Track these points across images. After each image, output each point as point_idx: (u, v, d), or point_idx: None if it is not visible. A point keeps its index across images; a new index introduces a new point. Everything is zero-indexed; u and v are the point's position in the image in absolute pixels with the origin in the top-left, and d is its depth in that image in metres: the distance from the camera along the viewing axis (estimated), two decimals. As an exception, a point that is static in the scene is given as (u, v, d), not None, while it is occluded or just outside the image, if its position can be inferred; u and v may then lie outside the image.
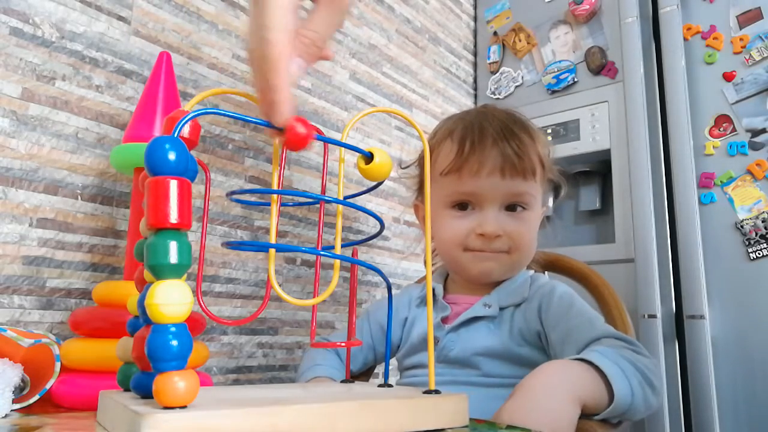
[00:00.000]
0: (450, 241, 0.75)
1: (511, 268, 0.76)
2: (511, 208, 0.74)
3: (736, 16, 1.21)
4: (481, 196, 0.73)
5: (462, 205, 0.75)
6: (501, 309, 0.73)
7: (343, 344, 0.48)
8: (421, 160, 0.83)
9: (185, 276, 0.35)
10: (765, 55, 1.15)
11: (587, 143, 1.34)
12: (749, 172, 1.14)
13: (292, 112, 0.39)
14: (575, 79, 1.39)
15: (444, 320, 0.76)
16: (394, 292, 0.57)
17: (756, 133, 1.14)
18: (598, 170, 1.38)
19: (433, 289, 0.79)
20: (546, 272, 0.89)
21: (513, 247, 0.73)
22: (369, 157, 0.45)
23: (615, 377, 0.56)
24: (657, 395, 0.60)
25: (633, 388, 0.57)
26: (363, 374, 0.89)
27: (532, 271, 0.80)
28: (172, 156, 0.33)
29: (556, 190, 0.87)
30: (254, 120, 0.39)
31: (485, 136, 0.73)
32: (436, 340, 0.74)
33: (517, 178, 0.72)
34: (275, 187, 0.43)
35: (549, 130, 1.40)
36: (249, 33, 0.41)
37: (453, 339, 0.73)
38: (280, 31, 0.38)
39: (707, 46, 1.23)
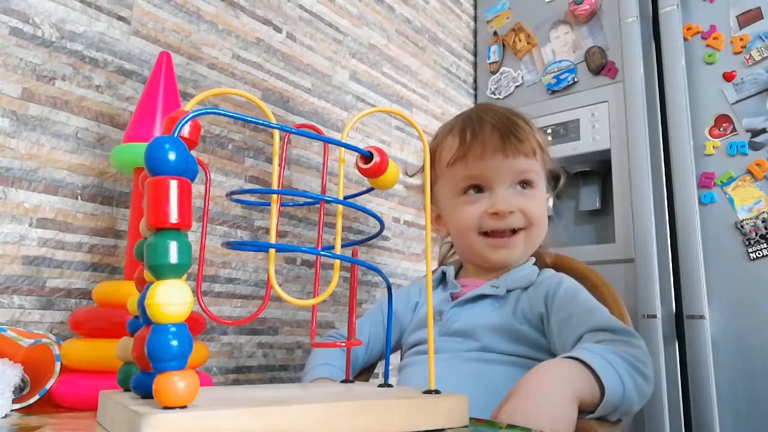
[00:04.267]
0: (465, 225, 0.78)
1: (530, 246, 0.79)
2: (519, 187, 0.78)
3: (736, 16, 1.21)
4: (488, 177, 0.77)
5: (473, 190, 0.79)
6: (508, 291, 0.76)
7: (343, 344, 0.48)
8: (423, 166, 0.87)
9: (185, 276, 0.35)
10: (765, 55, 1.15)
11: (587, 143, 1.34)
12: (749, 172, 1.14)
13: None
14: (575, 79, 1.39)
15: (453, 297, 0.79)
16: (395, 290, 0.57)
17: (756, 133, 1.14)
18: (598, 170, 1.38)
19: (445, 272, 0.83)
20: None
21: (528, 222, 0.77)
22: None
23: (603, 371, 0.56)
24: (649, 384, 0.61)
25: (623, 380, 0.57)
26: (363, 374, 0.89)
27: (536, 266, 0.82)
28: (172, 156, 0.33)
29: (555, 181, 0.88)
30: (254, 120, 0.39)
31: (484, 123, 0.78)
32: (441, 314, 0.77)
33: (520, 156, 0.77)
34: (275, 187, 0.43)
35: (549, 130, 1.40)
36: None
37: (457, 313, 0.76)
38: None
39: (707, 46, 1.23)
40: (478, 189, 0.78)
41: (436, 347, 0.71)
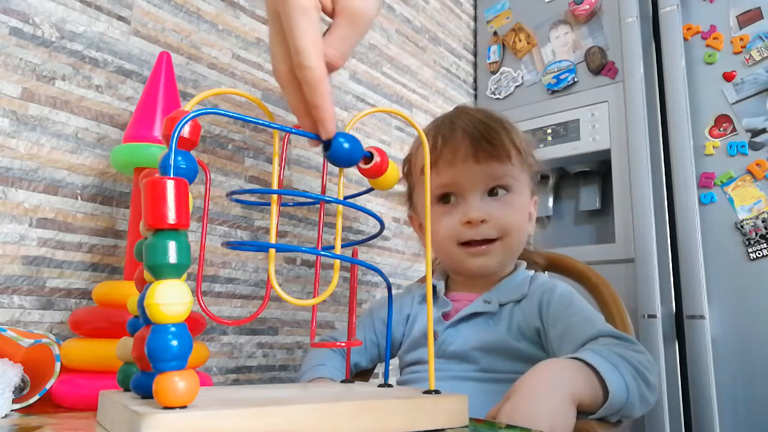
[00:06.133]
0: (443, 236, 0.76)
1: (509, 254, 0.77)
2: (494, 193, 0.76)
3: (736, 16, 1.21)
4: (460, 185, 0.75)
5: (447, 199, 0.77)
6: (501, 306, 0.74)
7: (343, 344, 0.48)
8: (405, 174, 0.86)
9: (185, 276, 0.35)
10: (765, 55, 1.15)
11: (587, 143, 1.34)
12: (749, 172, 1.14)
13: (334, 128, 0.42)
14: (575, 79, 1.39)
15: (445, 316, 0.77)
16: (394, 291, 0.57)
17: (756, 133, 1.14)
18: (598, 170, 1.38)
19: (435, 286, 0.81)
20: (546, 272, 0.90)
21: (503, 231, 0.75)
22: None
23: (608, 374, 0.56)
24: (653, 391, 0.60)
25: (627, 384, 0.57)
26: (362, 374, 0.89)
27: (532, 271, 0.81)
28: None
29: (543, 182, 0.87)
30: (254, 120, 0.39)
31: (455, 128, 0.76)
32: (436, 335, 0.75)
33: (492, 161, 0.74)
34: (275, 187, 0.43)
35: (549, 130, 1.40)
36: (276, 54, 0.43)
37: (452, 334, 0.74)
38: (316, 55, 0.40)
39: (707, 46, 1.23)
40: (452, 197, 0.76)
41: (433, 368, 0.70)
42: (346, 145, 0.43)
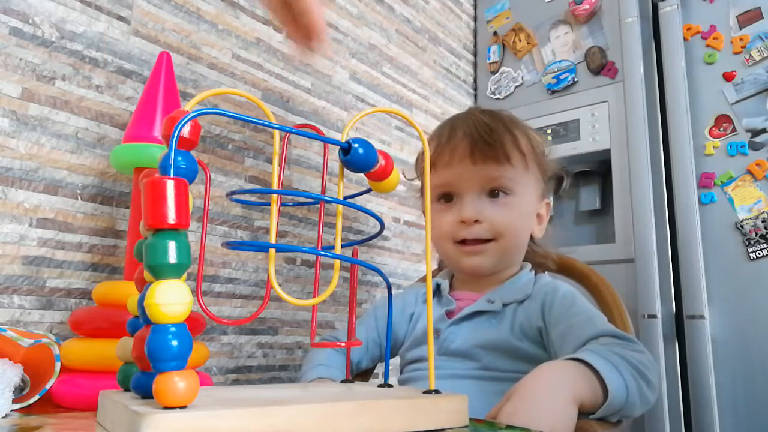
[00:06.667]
0: (440, 234, 0.77)
1: (503, 256, 0.77)
2: (493, 195, 0.76)
3: (736, 16, 1.21)
4: (457, 185, 0.76)
5: (448, 198, 0.78)
6: (504, 305, 0.75)
7: (343, 344, 0.48)
8: (420, 169, 0.86)
9: (185, 276, 0.35)
10: (765, 55, 1.15)
11: (587, 143, 1.34)
12: (749, 172, 1.14)
13: (325, 29, 0.41)
14: (575, 79, 1.39)
15: (449, 314, 0.78)
16: (395, 291, 0.58)
17: (756, 133, 1.14)
18: (598, 170, 1.38)
19: (439, 285, 0.81)
20: (547, 272, 0.90)
21: (496, 233, 0.75)
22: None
23: (608, 374, 0.56)
24: (653, 390, 0.60)
25: (627, 384, 0.57)
26: (363, 374, 0.89)
27: (534, 272, 0.81)
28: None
29: (558, 184, 0.87)
30: (254, 120, 0.39)
31: (456, 130, 0.77)
32: (438, 333, 0.75)
33: (489, 163, 0.74)
34: (275, 187, 0.43)
35: (549, 130, 1.40)
36: None
37: (454, 332, 0.75)
38: None
39: (707, 46, 1.23)
40: (451, 197, 0.77)
41: (435, 366, 0.70)
42: (361, 151, 0.43)
